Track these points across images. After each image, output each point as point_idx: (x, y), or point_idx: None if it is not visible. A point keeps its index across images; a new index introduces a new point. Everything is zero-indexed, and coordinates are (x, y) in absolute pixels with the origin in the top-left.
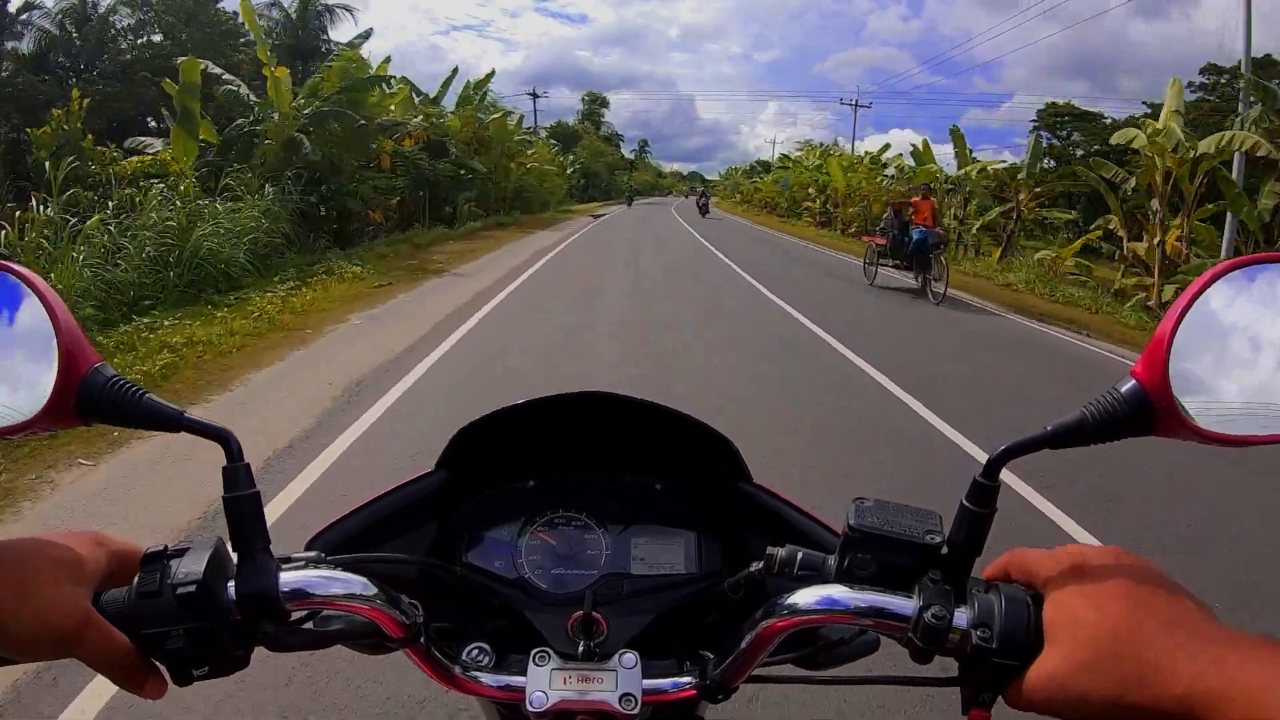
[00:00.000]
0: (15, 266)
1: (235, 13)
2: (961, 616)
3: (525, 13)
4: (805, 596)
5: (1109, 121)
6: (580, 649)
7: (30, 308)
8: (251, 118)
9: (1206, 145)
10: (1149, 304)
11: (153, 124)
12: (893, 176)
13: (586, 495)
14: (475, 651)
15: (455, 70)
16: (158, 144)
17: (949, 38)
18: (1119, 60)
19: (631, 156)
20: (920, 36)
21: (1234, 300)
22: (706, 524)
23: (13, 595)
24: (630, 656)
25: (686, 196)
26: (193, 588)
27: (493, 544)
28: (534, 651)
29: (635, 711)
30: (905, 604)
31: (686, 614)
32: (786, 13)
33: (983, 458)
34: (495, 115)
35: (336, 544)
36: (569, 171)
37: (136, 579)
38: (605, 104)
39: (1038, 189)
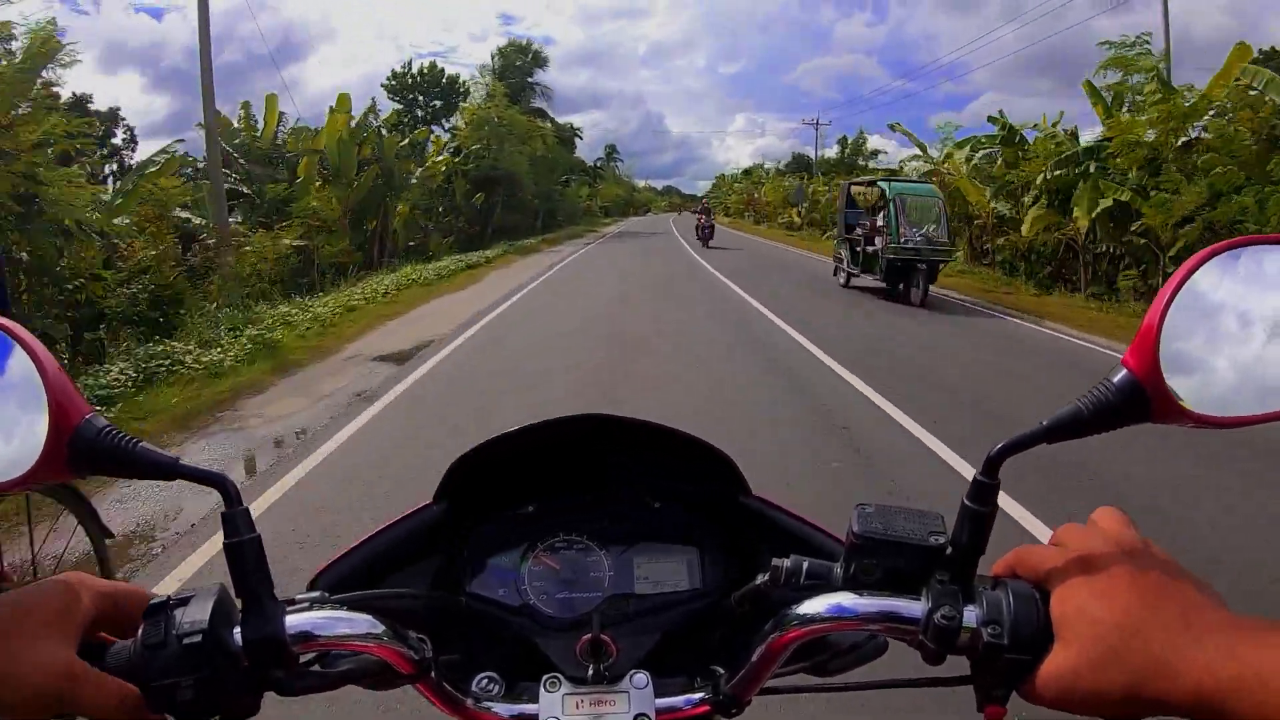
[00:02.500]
0: (2, 320)
1: None
2: (971, 615)
3: (490, 36)
4: (814, 606)
5: None
6: (590, 672)
7: (16, 361)
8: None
9: None
10: None
11: None
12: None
13: (587, 517)
14: (485, 681)
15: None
16: None
17: (913, 41)
18: (1085, 56)
19: (597, 165)
20: (886, 41)
21: (1220, 283)
22: (709, 539)
23: None
24: (641, 676)
25: (681, 213)
26: (199, 637)
27: (496, 571)
28: (545, 678)
29: None
30: (914, 607)
31: (694, 630)
32: (752, 25)
33: None
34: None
35: (338, 582)
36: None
37: (140, 630)
38: (540, 61)
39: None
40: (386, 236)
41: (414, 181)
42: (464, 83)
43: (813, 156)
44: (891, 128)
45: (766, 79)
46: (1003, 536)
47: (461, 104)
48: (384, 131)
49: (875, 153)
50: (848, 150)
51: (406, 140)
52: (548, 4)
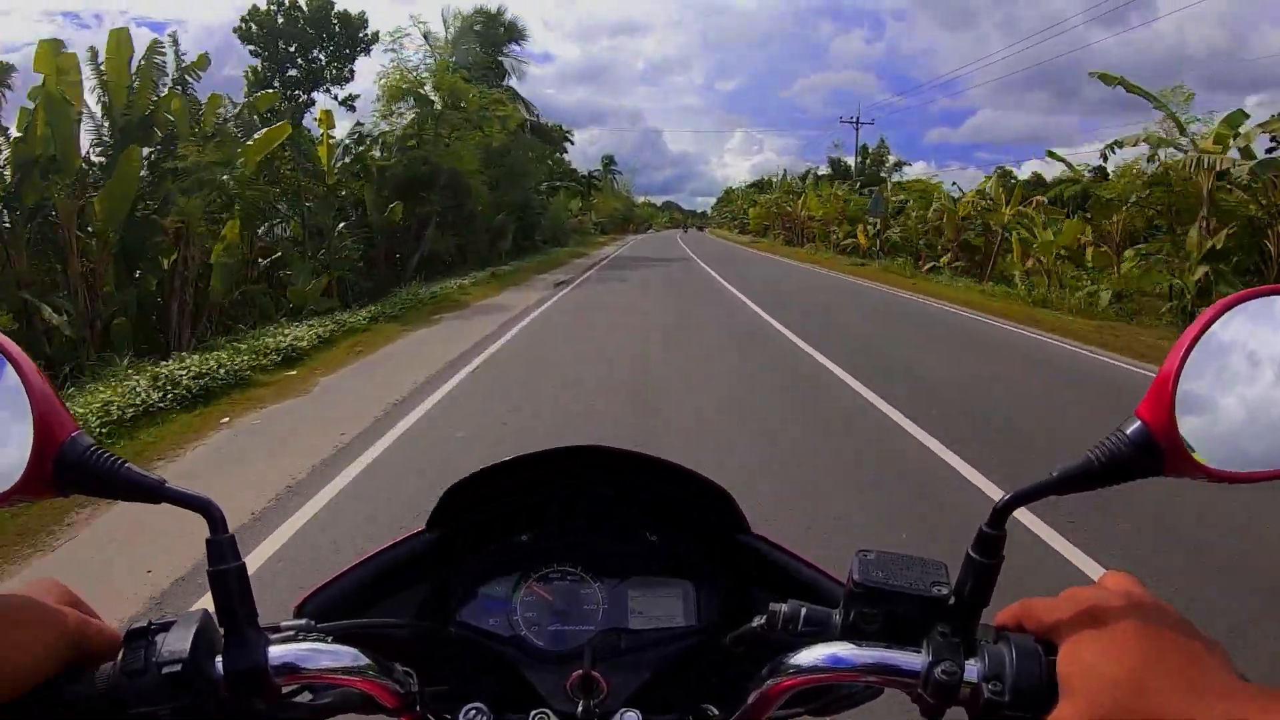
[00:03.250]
0: None
1: None
2: (972, 670)
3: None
4: (811, 655)
5: None
6: (580, 709)
7: (3, 376)
8: None
9: None
10: None
11: None
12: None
13: (581, 549)
14: (472, 712)
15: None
16: None
17: (909, 58)
18: (1079, 68)
19: (593, 176)
20: (884, 57)
21: (1239, 336)
22: (704, 574)
23: None
24: (632, 715)
25: (687, 230)
26: (179, 666)
27: (487, 601)
28: (534, 713)
29: None
30: (914, 660)
31: (687, 667)
32: (749, 42)
33: None
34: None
35: (326, 607)
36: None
37: (120, 656)
38: (517, 35)
39: None
40: (184, 285)
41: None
42: (375, 34)
43: (848, 161)
44: (1051, 155)
45: (764, 95)
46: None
47: (383, 65)
48: (184, 83)
49: (899, 164)
50: (868, 160)
51: (257, 108)
52: (544, 21)
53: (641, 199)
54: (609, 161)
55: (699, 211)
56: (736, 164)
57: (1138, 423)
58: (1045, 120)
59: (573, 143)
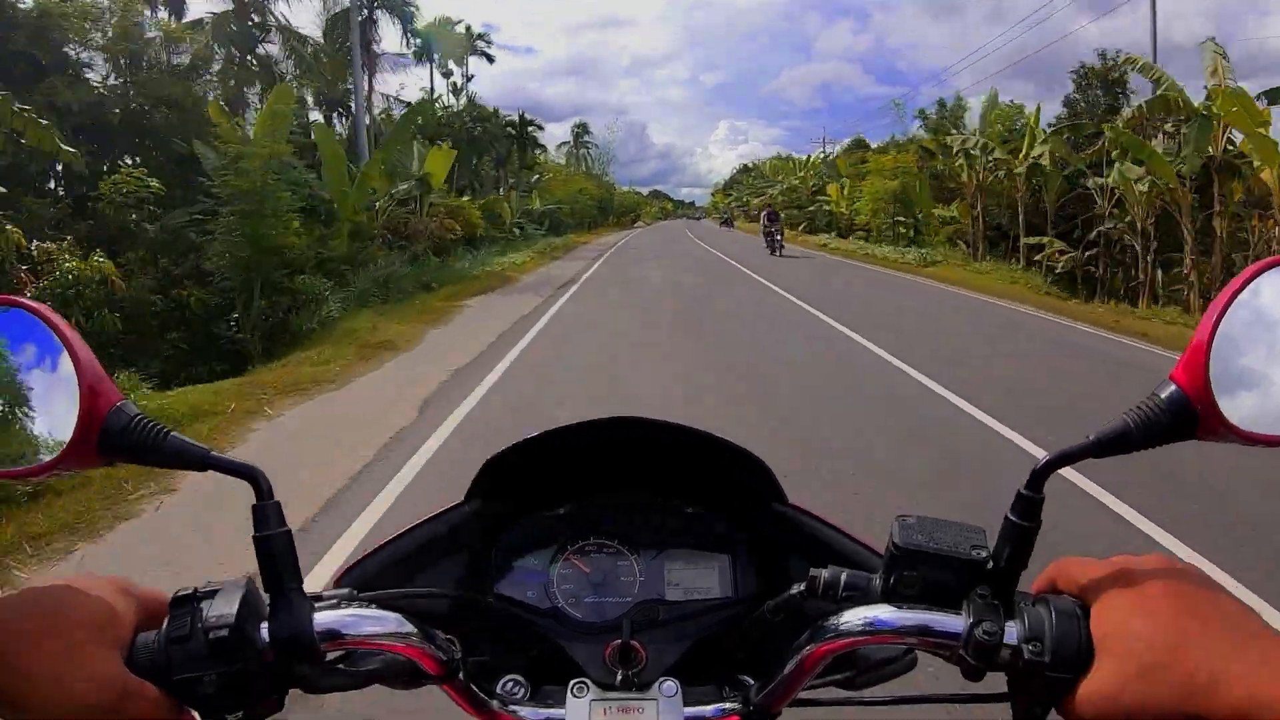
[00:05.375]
0: (33, 304)
1: None
2: (1011, 631)
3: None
4: (852, 618)
5: None
6: (619, 678)
7: (50, 347)
8: None
9: None
10: None
11: None
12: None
13: (618, 521)
14: (510, 684)
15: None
16: None
17: (894, 49)
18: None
19: (532, 126)
20: (870, 48)
21: (1271, 300)
22: (742, 546)
23: (47, 671)
24: (671, 684)
25: (699, 221)
26: (225, 632)
27: (524, 574)
28: (572, 683)
29: None
30: (954, 622)
31: (724, 638)
32: (736, 35)
33: None
34: None
35: (366, 579)
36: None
37: (166, 623)
38: None
39: None
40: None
41: None
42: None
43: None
44: None
45: (749, 88)
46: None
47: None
48: None
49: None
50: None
51: None
52: (529, 14)
53: (625, 188)
54: (581, 131)
55: (687, 202)
56: (722, 155)
57: (1173, 386)
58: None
59: (541, 127)
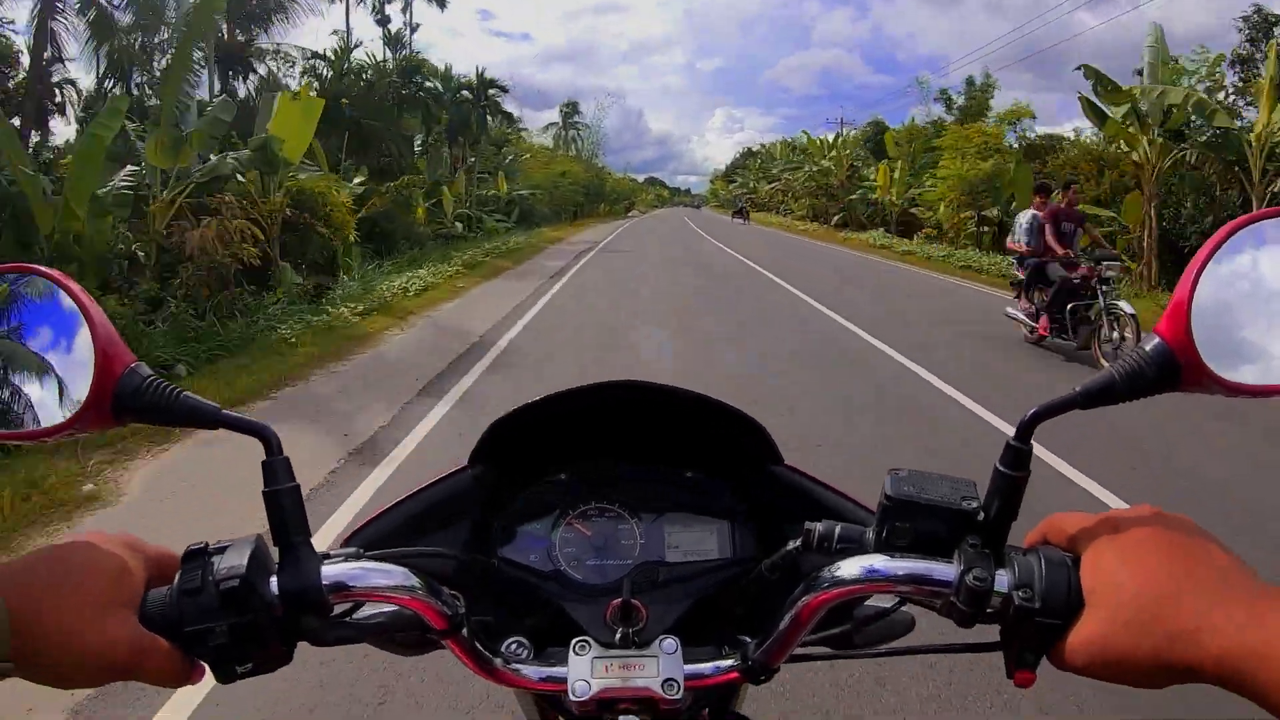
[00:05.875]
0: (47, 270)
1: None
2: (1002, 580)
3: (468, 33)
4: (847, 568)
5: None
6: (619, 636)
7: (64, 310)
8: None
9: None
10: None
11: None
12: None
13: (618, 486)
14: (514, 645)
15: None
16: None
17: (894, 37)
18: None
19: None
20: (868, 37)
21: (1252, 254)
22: (740, 509)
23: (64, 630)
24: (671, 642)
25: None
26: (236, 582)
27: (527, 538)
28: (574, 641)
29: (678, 696)
30: (946, 569)
31: (723, 599)
32: (734, 22)
33: None
34: None
35: (372, 541)
36: None
37: (178, 576)
38: None
39: None
40: None
41: None
42: None
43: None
44: None
45: (746, 75)
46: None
47: None
48: None
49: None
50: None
51: None
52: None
53: (619, 174)
54: (571, 110)
55: (683, 190)
56: (719, 143)
57: (1156, 339)
58: (1029, 98)
59: (505, 90)
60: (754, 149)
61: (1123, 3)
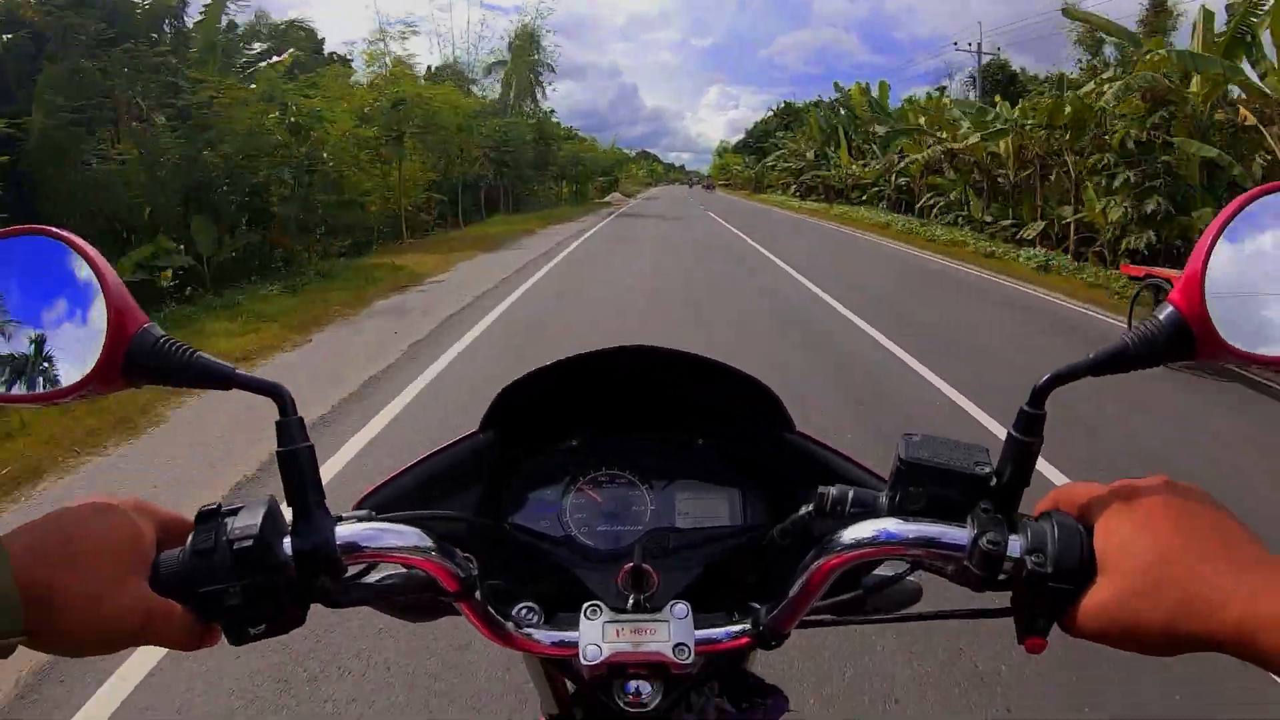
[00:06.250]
0: (60, 231)
1: None
2: (1015, 544)
3: (457, 5)
4: (859, 531)
5: None
6: (631, 601)
7: (76, 271)
8: None
9: None
10: None
11: None
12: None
13: (629, 452)
14: (525, 611)
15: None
16: None
17: (891, 16)
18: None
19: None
20: (866, 15)
21: (1264, 223)
22: (751, 476)
23: (77, 598)
24: (682, 607)
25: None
26: (250, 543)
27: (538, 504)
28: (586, 605)
29: (689, 661)
30: (959, 533)
31: (734, 566)
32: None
33: None
34: None
35: (384, 505)
36: None
37: (191, 537)
38: None
39: None
40: None
41: None
42: None
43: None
44: None
45: (741, 52)
46: None
47: None
48: None
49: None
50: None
51: None
52: None
53: (607, 144)
54: (525, 42)
55: (678, 165)
56: (712, 120)
57: (1170, 308)
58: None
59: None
60: (797, 104)
61: None
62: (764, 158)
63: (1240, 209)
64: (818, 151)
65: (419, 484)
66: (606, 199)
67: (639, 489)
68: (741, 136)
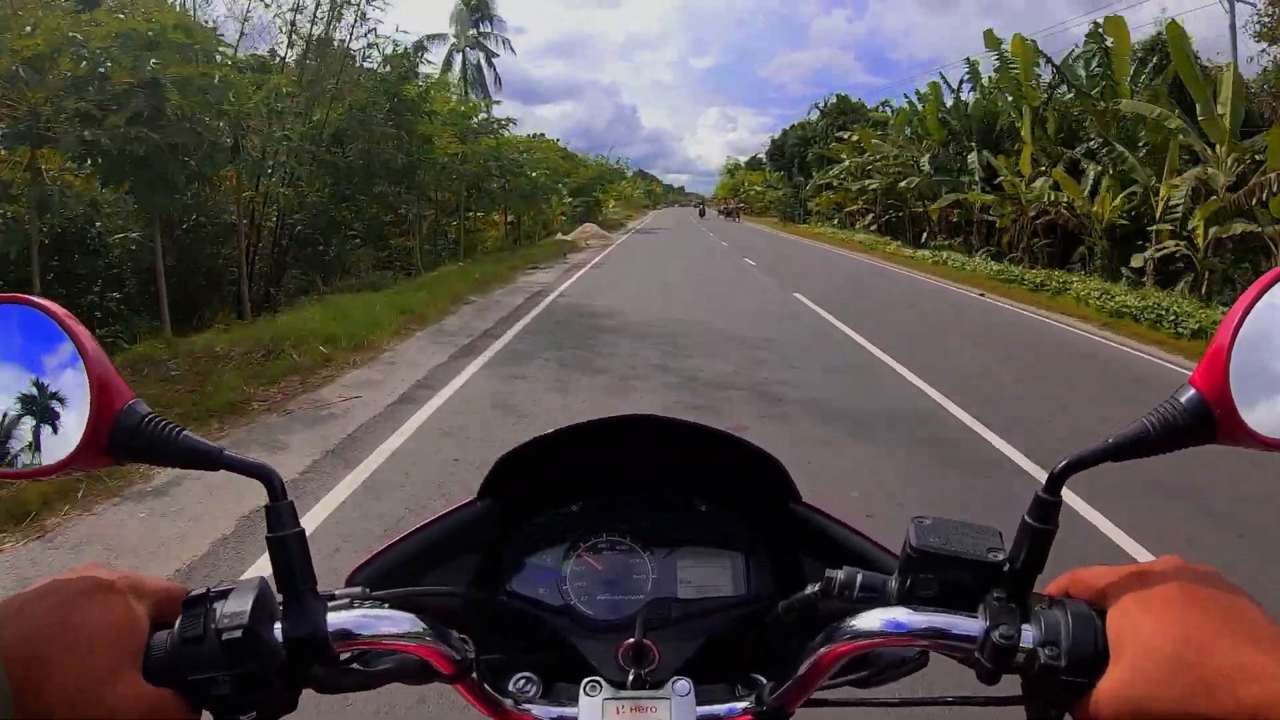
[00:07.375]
0: (42, 301)
1: None
2: (1028, 634)
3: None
4: (869, 620)
5: None
6: (631, 677)
7: (58, 344)
8: None
9: None
10: None
11: None
12: None
13: (631, 519)
14: (523, 681)
15: None
16: None
17: (889, 39)
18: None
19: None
20: (863, 37)
21: None
22: (755, 545)
23: (71, 691)
24: (684, 684)
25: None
26: (239, 633)
27: (537, 571)
28: (585, 681)
29: None
30: (971, 624)
31: (737, 637)
32: (730, 19)
33: None
34: None
35: (378, 577)
36: None
37: (178, 623)
38: None
39: None
40: None
41: None
42: None
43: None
44: None
45: (740, 74)
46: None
47: None
48: None
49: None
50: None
51: None
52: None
53: (598, 159)
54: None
55: (676, 187)
56: (710, 141)
57: (1192, 391)
58: None
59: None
60: (826, 104)
61: None
62: (803, 173)
63: (1268, 287)
64: (936, 158)
65: (414, 555)
66: (569, 237)
67: (640, 556)
68: (742, 158)
